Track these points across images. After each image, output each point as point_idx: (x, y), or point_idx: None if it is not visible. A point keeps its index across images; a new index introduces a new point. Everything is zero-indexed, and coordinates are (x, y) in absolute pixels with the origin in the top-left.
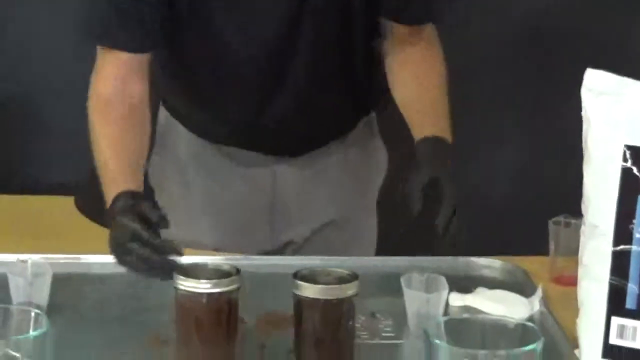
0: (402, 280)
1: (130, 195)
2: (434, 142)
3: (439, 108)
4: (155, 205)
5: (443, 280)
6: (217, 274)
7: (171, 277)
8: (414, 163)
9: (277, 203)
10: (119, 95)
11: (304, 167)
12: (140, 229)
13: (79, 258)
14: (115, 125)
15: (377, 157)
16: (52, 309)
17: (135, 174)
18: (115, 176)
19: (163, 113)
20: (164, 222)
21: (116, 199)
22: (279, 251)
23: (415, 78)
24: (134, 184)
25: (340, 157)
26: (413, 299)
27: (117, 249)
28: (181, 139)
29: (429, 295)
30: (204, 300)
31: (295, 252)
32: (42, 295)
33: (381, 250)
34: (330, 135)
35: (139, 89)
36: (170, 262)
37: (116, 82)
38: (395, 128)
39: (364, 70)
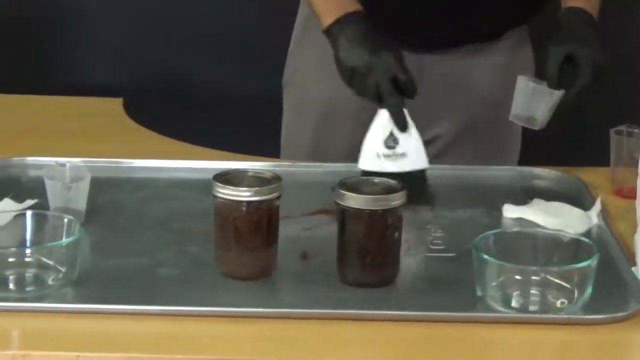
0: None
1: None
2: (580, 13)
3: None
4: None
5: None
6: (258, 181)
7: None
8: (553, 35)
9: (420, 100)
10: None
11: (450, 64)
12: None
13: (120, 162)
14: None
15: (526, 65)
16: (91, 214)
17: None
18: None
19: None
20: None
21: (348, 17)
22: None
23: None
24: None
25: (488, 59)
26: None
27: (363, 80)
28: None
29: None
30: (244, 208)
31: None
32: (80, 200)
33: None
34: (485, 31)
35: None
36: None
37: None
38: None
39: None
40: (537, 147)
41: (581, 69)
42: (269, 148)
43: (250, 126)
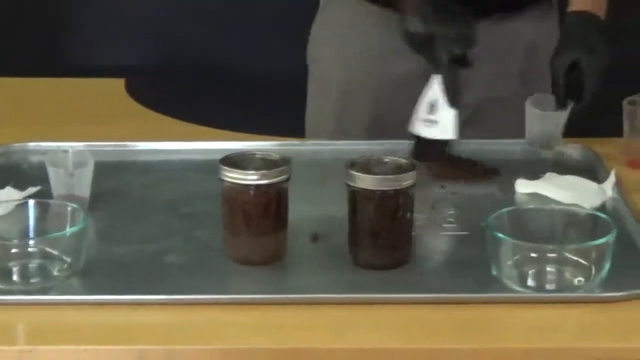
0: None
1: None
2: (585, 18)
3: None
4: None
5: None
6: (266, 163)
7: None
8: (558, 44)
9: None
10: None
11: None
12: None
13: (125, 145)
14: None
15: (551, 38)
16: (96, 200)
17: None
18: None
19: None
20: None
21: None
22: None
23: None
24: None
25: (512, 31)
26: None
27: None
28: (345, 5)
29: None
30: (252, 192)
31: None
32: (84, 186)
33: None
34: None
35: None
36: None
37: None
38: None
39: None
40: None
41: (586, 79)
42: (288, 127)
43: (258, 106)
